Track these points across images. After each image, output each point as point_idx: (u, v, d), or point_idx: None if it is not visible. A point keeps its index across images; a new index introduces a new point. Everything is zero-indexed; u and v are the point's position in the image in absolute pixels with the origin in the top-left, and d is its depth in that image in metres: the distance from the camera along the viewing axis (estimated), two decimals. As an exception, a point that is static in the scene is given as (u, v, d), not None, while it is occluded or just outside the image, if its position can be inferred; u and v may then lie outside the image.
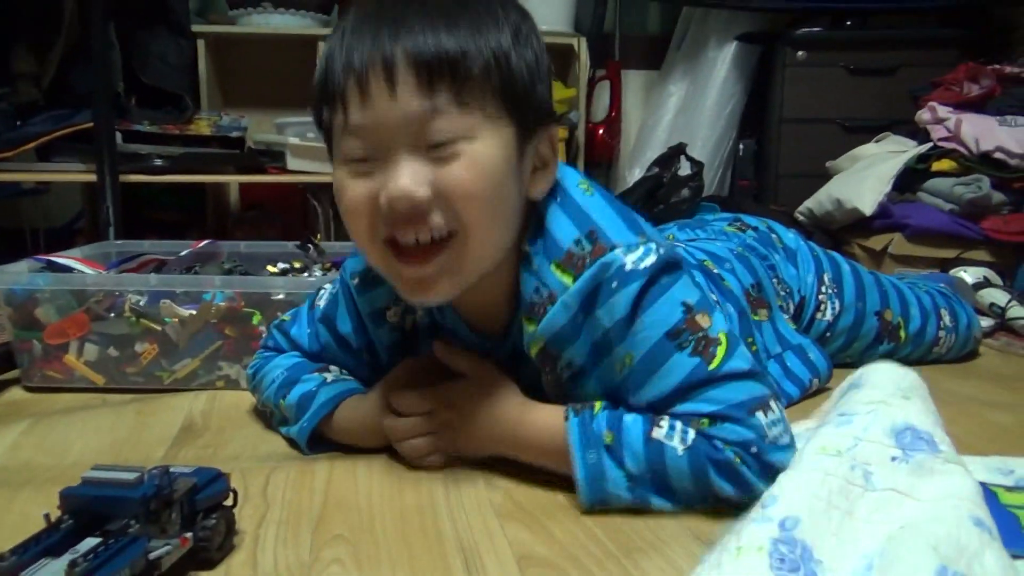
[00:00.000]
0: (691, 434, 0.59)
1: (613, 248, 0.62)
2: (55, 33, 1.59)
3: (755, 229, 1.03)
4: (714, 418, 0.59)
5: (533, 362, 0.69)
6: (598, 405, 0.64)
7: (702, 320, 0.62)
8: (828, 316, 1.00)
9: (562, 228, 0.64)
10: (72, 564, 0.43)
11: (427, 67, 0.56)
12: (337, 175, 0.62)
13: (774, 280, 0.96)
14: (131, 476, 0.50)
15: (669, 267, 0.63)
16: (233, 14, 2.24)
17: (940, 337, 1.07)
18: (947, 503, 0.46)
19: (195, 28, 2.12)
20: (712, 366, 0.60)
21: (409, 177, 0.57)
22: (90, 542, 0.47)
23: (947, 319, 1.08)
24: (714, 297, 0.80)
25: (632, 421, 0.61)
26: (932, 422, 0.56)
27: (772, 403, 0.60)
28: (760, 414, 0.59)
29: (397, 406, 0.69)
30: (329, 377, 0.77)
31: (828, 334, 1.01)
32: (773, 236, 1.03)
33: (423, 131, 0.57)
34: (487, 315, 0.71)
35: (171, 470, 0.52)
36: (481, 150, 0.58)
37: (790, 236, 1.05)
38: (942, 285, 1.19)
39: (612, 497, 0.61)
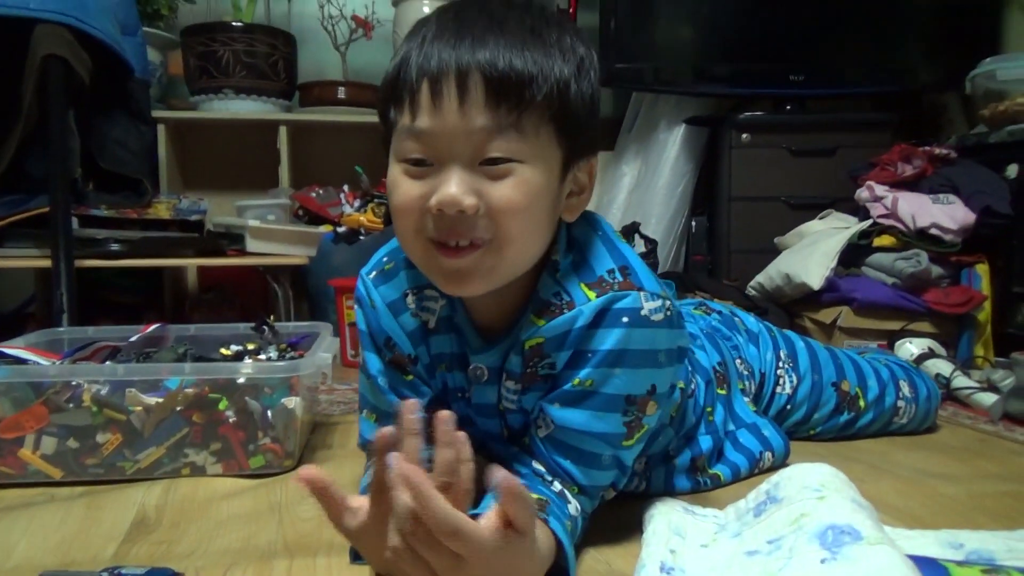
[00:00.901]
0: (576, 503, 0.69)
1: (640, 289, 0.68)
2: (13, 121, 1.60)
3: (719, 313, 1.09)
4: (583, 491, 0.70)
5: (509, 373, 0.73)
6: (548, 503, 0.66)
7: (650, 408, 0.70)
8: (787, 389, 1.05)
9: (600, 259, 0.71)
10: None
11: (497, 85, 0.60)
12: (392, 172, 0.66)
13: (737, 360, 1.00)
14: (81, 581, 0.49)
15: (681, 354, 0.72)
16: (194, 99, 2.28)
17: (900, 407, 1.11)
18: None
19: (156, 114, 2.15)
20: (623, 443, 0.70)
21: (460, 187, 0.61)
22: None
23: (906, 389, 1.12)
24: (689, 369, 0.88)
25: (562, 507, 0.67)
26: (849, 511, 0.59)
27: (618, 485, 0.75)
28: (607, 493, 0.75)
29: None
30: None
31: (789, 406, 1.05)
32: (736, 319, 1.08)
33: (482, 147, 0.61)
34: (499, 313, 0.73)
35: (122, 572, 0.51)
36: (530, 173, 0.63)
37: (751, 320, 1.10)
38: (905, 360, 1.25)
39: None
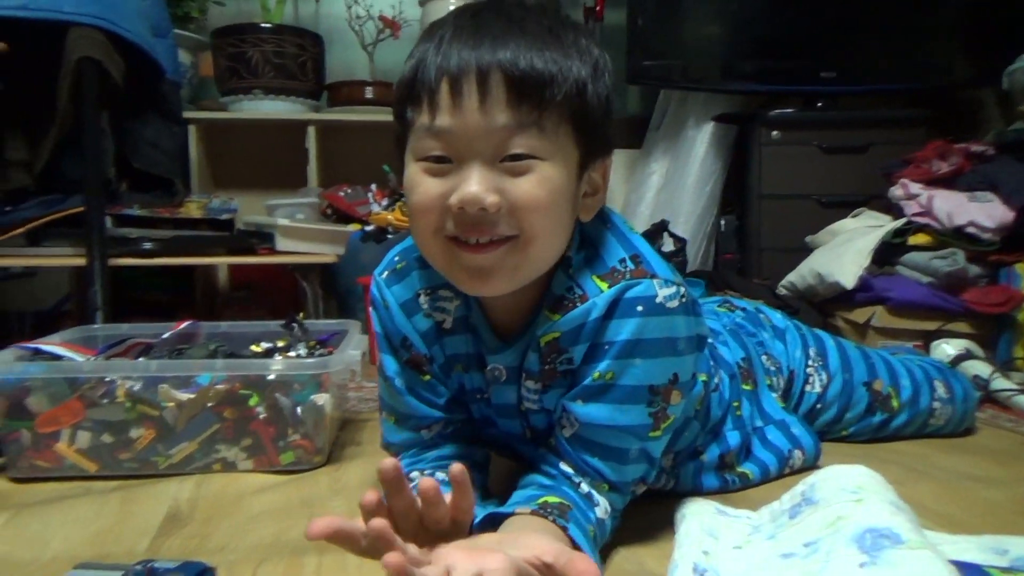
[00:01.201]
0: (604, 503, 0.69)
1: (653, 276, 0.67)
2: (49, 122, 1.63)
3: (743, 310, 1.07)
4: (613, 487, 0.70)
5: (528, 372, 0.72)
6: (574, 509, 0.65)
7: (675, 397, 0.69)
8: (817, 388, 1.03)
9: (611, 250, 0.70)
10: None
11: (519, 84, 0.60)
12: (410, 170, 0.65)
13: (764, 356, 0.99)
14: (115, 575, 0.49)
15: (700, 342, 0.72)
16: (224, 100, 2.30)
17: (935, 408, 1.08)
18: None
19: (187, 115, 2.18)
20: (651, 434, 0.69)
21: (482, 184, 0.61)
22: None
23: (942, 390, 1.09)
24: (712, 363, 0.86)
25: (586, 511, 0.66)
26: (889, 514, 0.57)
27: (648, 479, 0.73)
28: (637, 487, 0.73)
29: None
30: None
31: (819, 405, 1.03)
32: (761, 316, 1.07)
33: (503, 144, 0.61)
34: (514, 312, 0.72)
35: (155, 566, 0.52)
36: (551, 170, 0.63)
37: (778, 316, 1.09)
38: (940, 361, 1.22)
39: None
